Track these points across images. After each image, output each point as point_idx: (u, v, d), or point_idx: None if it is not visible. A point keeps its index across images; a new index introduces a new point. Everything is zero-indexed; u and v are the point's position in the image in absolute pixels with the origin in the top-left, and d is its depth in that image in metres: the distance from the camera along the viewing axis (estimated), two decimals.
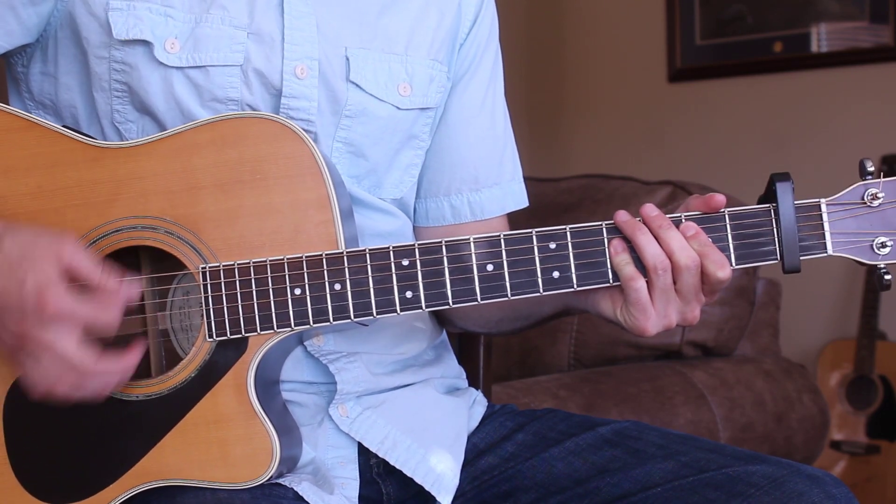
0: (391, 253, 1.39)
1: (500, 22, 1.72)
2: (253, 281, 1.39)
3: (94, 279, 1.31)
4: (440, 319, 1.70)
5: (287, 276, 1.38)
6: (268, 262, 1.39)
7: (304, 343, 1.50)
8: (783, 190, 1.38)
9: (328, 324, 1.39)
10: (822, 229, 1.39)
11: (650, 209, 1.39)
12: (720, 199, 1.39)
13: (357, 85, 1.54)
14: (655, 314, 1.40)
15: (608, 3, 4.86)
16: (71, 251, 1.31)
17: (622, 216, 1.40)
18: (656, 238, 1.38)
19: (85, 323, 1.30)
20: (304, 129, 1.45)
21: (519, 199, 1.71)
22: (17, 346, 1.32)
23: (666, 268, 1.38)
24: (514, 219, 1.72)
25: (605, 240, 1.40)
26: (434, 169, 1.66)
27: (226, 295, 1.39)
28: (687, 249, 1.38)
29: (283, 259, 1.39)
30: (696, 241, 1.38)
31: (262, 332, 1.39)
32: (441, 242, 1.40)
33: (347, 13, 1.55)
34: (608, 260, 1.39)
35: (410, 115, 1.59)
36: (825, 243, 1.39)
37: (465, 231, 1.65)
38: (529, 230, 1.40)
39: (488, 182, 1.67)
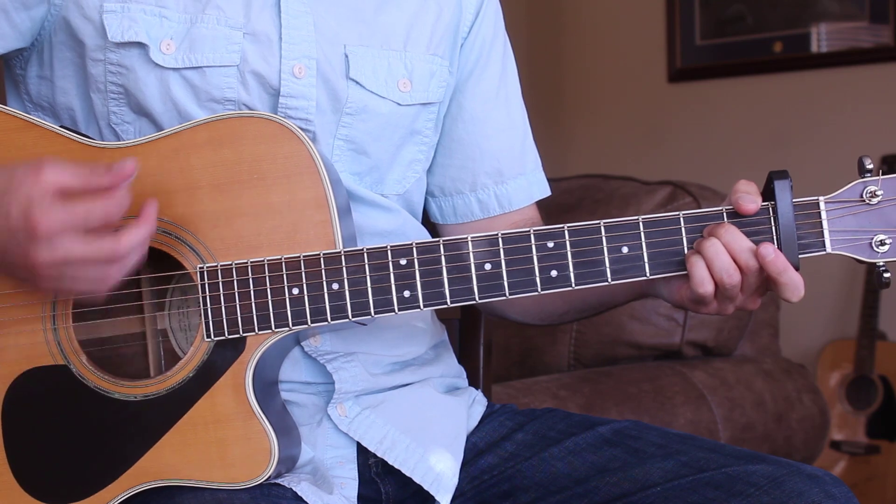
0: (389, 252, 1.39)
1: None
2: (251, 281, 1.39)
3: (83, 180, 1.28)
4: (492, 313, 1.71)
5: (285, 276, 1.38)
6: (265, 262, 1.39)
7: (301, 343, 1.50)
8: (781, 188, 1.38)
9: (326, 323, 1.39)
10: (821, 227, 1.39)
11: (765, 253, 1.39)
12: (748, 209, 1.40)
13: (357, 82, 1.54)
14: (717, 307, 1.43)
15: (608, 3, 4.86)
16: (49, 169, 1.27)
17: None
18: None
19: (84, 220, 1.27)
20: (303, 129, 1.45)
21: (543, 187, 1.73)
22: (35, 277, 1.30)
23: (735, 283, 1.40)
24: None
25: (604, 238, 1.40)
26: (457, 166, 1.67)
27: (223, 295, 1.39)
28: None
29: (280, 259, 1.39)
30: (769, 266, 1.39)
31: (260, 333, 1.39)
32: (439, 242, 1.40)
33: (344, 11, 1.55)
34: (605, 258, 1.39)
35: (412, 111, 1.60)
36: (824, 241, 1.39)
37: (497, 224, 1.67)
38: (527, 229, 1.40)
39: (512, 173, 1.68)
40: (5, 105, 1.48)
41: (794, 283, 1.38)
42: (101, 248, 1.28)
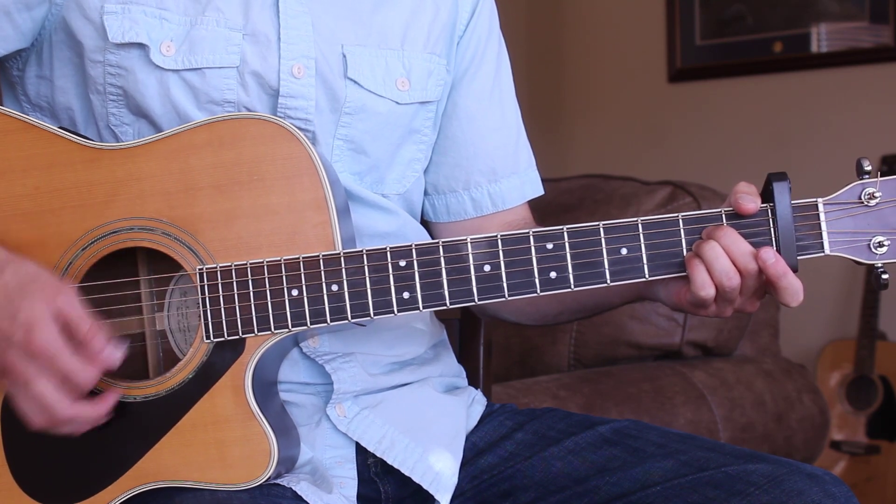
0: (388, 254, 1.39)
1: (499, 22, 1.73)
2: (250, 282, 1.39)
3: (82, 330, 1.32)
4: (485, 314, 1.71)
5: (284, 278, 1.38)
6: (265, 264, 1.39)
7: (300, 344, 1.50)
8: (780, 190, 1.38)
9: (325, 325, 1.39)
10: (820, 229, 1.39)
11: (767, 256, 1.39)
12: (747, 208, 1.40)
13: (355, 82, 1.54)
14: (716, 310, 1.43)
15: (608, 3, 4.86)
16: (67, 296, 1.32)
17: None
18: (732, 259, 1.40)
19: (63, 371, 1.31)
20: (302, 129, 1.45)
21: (536, 186, 1.73)
22: (2, 373, 1.33)
23: (734, 286, 1.39)
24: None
25: (603, 240, 1.40)
26: (451, 164, 1.67)
27: (223, 296, 1.39)
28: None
29: (280, 260, 1.39)
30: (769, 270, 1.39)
31: (260, 334, 1.39)
32: (438, 243, 1.40)
33: (342, 11, 1.55)
34: (605, 260, 1.40)
35: (410, 110, 1.60)
36: (822, 243, 1.39)
37: (490, 223, 1.67)
38: (527, 230, 1.40)
39: (506, 172, 1.69)
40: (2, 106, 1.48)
41: (793, 288, 1.38)
42: (54, 401, 1.32)
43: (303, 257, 1.39)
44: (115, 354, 1.33)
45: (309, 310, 1.38)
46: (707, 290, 1.39)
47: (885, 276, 1.39)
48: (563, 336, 2.84)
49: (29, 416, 1.33)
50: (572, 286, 1.40)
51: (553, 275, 1.40)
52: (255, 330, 1.39)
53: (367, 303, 1.39)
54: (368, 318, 1.39)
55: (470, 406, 1.66)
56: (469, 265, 1.40)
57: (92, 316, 1.33)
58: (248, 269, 1.39)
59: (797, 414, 2.89)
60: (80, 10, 1.47)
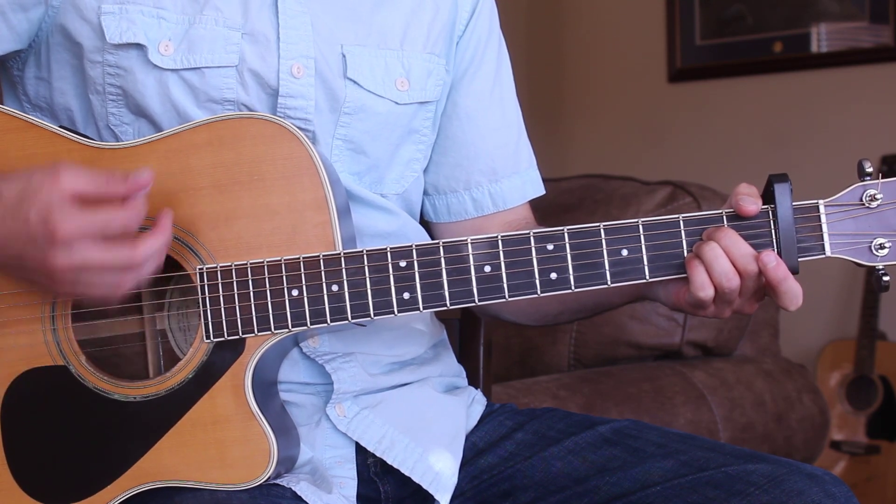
0: (388, 254, 1.39)
1: (499, 22, 1.73)
2: (250, 282, 1.39)
3: (100, 191, 1.30)
4: (485, 314, 1.71)
5: (284, 278, 1.38)
6: (265, 264, 1.39)
7: (300, 344, 1.50)
8: (781, 191, 1.38)
9: (325, 325, 1.39)
10: (821, 231, 1.39)
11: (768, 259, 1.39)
12: (748, 210, 1.40)
13: (354, 82, 1.54)
14: (714, 310, 1.43)
15: (608, 3, 4.86)
16: (67, 175, 1.29)
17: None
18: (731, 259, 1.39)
19: (102, 228, 1.29)
20: (302, 129, 1.45)
21: (537, 186, 1.73)
22: (51, 281, 1.31)
23: (734, 288, 1.39)
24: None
25: (604, 241, 1.40)
26: (451, 164, 1.67)
27: (223, 296, 1.39)
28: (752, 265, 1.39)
29: (280, 260, 1.39)
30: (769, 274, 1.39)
31: (260, 334, 1.39)
32: (438, 244, 1.40)
33: (341, 11, 1.55)
34: (605, 261, 1.39)
35: (409, 110, 1.60)
36: (823, 245, 1.39)
37: (491, 223, 1.67)
38: (527, 231, 1.40)
39: (506, 172, 1.69)
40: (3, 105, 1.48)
41: (793, 292, 1.38)
42: (117, 256, 1.30)
43: (303, 257, 1.39)
44: (142, 175, 1.31)
45: (309, 310, 1.38)
46: (706, 290, 1.38)
47: (886, 279, 1.39)
48: (563, 336, 2.84)
49: (107, 292, 1.31)
50: (573, 287, 1.40)
51: (554, 276, 1.39)
52: (255, 330, 1.39)
53: (368, 303, 1.39)
54: (368, 319, 1.39)
55: (470, 406, 1.66)
56: (469, 266, 1.39)
57: (97, 173, 1.31)
58: (249, 269, 1.39)
59: (797, 414, 2.89)
60: (76, 11, 1.47)
